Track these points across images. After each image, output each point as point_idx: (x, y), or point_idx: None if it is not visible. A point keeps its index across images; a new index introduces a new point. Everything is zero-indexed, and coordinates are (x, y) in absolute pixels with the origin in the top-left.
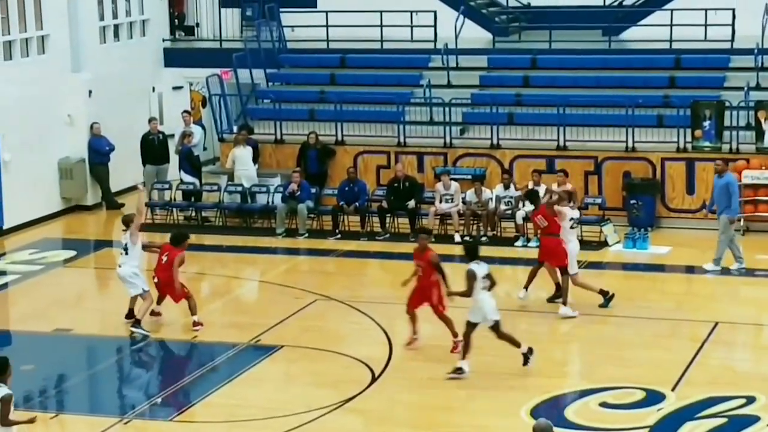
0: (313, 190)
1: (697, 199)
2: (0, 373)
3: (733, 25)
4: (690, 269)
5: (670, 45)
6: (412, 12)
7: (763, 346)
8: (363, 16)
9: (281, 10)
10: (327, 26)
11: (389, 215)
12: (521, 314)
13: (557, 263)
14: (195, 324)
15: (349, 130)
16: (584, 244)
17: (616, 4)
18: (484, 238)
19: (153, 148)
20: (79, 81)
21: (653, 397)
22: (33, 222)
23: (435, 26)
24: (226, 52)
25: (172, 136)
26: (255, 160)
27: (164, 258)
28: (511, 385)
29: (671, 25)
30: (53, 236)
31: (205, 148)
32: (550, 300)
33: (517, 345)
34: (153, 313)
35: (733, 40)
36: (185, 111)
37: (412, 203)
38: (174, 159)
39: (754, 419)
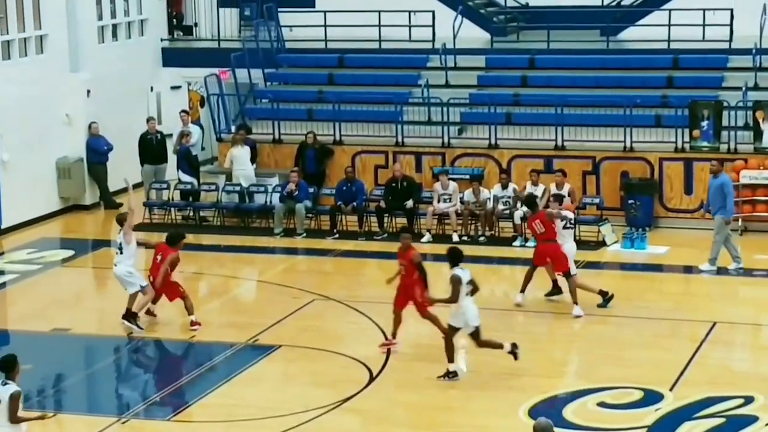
0: (311, 190)
1: (695, 199)
2: (8, 371)
3: (731, 25)
4: (688, 269)
5: (668, 45)
6: (410, 12)
7: (762, 346)
8: (361, 15)
9: (279, 9)
10: (325, 26)
11: (387, 215)
12: (520, 314)
13: (560, 269)
14: (192, 324)
15: (347, 130)
16: (582, 244)
17: (614, 4)
18: (482, 238)
19: (151, 148)
20: (78, 81)
21: (651, 397)
22: (31, 221)
23: (433, 26)
24: (224, 52)
25: (171, 135)
26: (253, 159)
27: (159, 257)
28: (510, 385)
29: (669, 25)
30: (51, 236)
31: (203, 148)
32: (548, 295)
33: (500, 347)
34: (148, 313)
35: (731, 40)
36: (183, 111)
37: (410, 203)
38: (172, 159)
39: (752, 419)
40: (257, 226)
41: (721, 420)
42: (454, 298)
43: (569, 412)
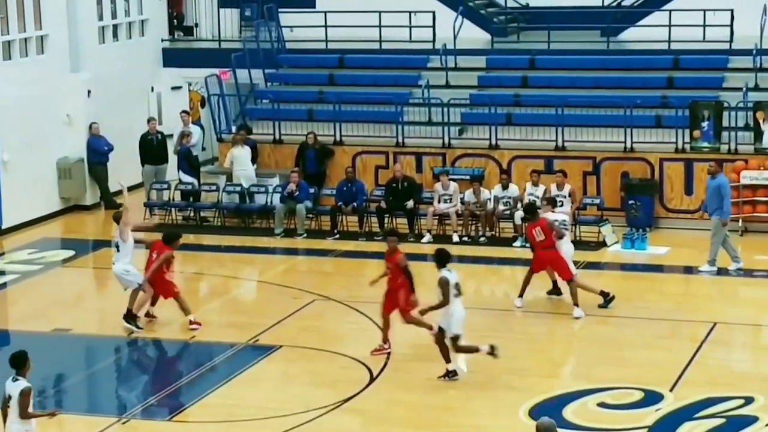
0: (312, 191)
1: (695, 199)
2: (20, 367)
3: (731, 25)
4: (688, 270)
5: (669, 45)
6: (410, 12)
7: (762, 346)
8: (362, 16)
9: (280, 10)
10: (326, 26)
11: (388, 215)
12: (520, 315)
13: (564, 277)
14: (191, 323)
15: (347, 131)
16: (582, 245)
17: (614, 4)
18: (482, 239)
19: (152, 148)
20: (78, 81)
21: (651, 398)
22: (32, 222)
23: (434, 27)
24: (224, 53)
25: (171, 136)
26: (253, 160)
27: (154, 255)
28: (510, 385)
29: (670, 26)
30: (52, 236)
31: (203, 148)
32: (549, 293)
33: (476, 350)
34: (148, 315)
35: (731, 40)
36: (184, 111)
37: (410, 203)
38: (173, 159)
39: (752, 419)
40: (258, 227)
41: (722, 420)
42: (445, 301)
43: (569, 413)
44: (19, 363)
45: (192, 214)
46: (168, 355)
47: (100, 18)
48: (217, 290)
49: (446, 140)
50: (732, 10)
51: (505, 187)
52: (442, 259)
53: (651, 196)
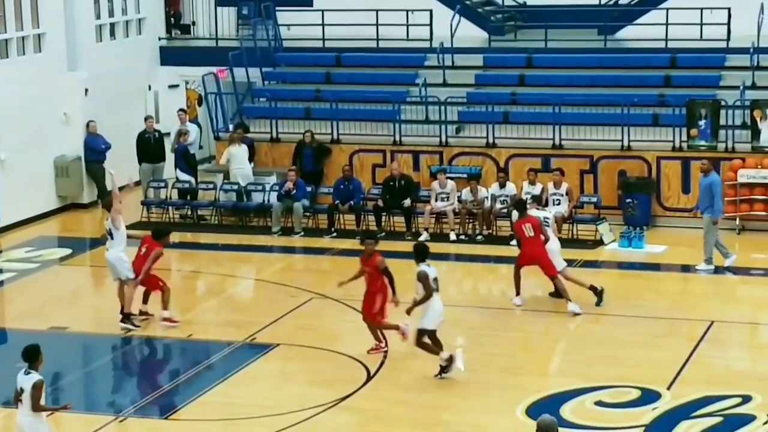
0: (309, 189)
1: (692, 198)
2: (32, 360)
3: (728, 24)
4: (685, 268)
5: (666, 44)
6: (407, 11)
7: (759, 345)
8: (359, 14)
9: (277, 8)
10: (323, 25)
11: (385, 214)
12: (517, 313)
13: (549, 273)
14: (164, 320)
15: (344, 129)
16: (579, 243)
17: (611, 3)
18: (479, 237)
19: (149, 147)
20: (76, 79)
21: (649, 396)
22: (29, 220)
23: (431, 25)
24: (222, 51)
25: (168, 134)
26: (251, 158)
27: (143, 250)
28: (507, 383)
29: (667, 24)
30: (49, 234)
31: (201, 147)
32: (552, 295)
33: (437, 353)
34: (142, 313)
35: (728, 39)
36: (181, 109)
37: (407, 202)
38: (170, 157)
39: (749, 418)
40: (255, 225)
41: (719, 419)
42: (429, 294)
43: (567, 411)
44: (32, 356)
45: (189, 213)
46: (164, 354)
47: (98, 16)
48: (214, 288)
49: (443, 138)
50: (729, 9)
51: (502, 186)
52: (420, 254)
53: (648, 194)
